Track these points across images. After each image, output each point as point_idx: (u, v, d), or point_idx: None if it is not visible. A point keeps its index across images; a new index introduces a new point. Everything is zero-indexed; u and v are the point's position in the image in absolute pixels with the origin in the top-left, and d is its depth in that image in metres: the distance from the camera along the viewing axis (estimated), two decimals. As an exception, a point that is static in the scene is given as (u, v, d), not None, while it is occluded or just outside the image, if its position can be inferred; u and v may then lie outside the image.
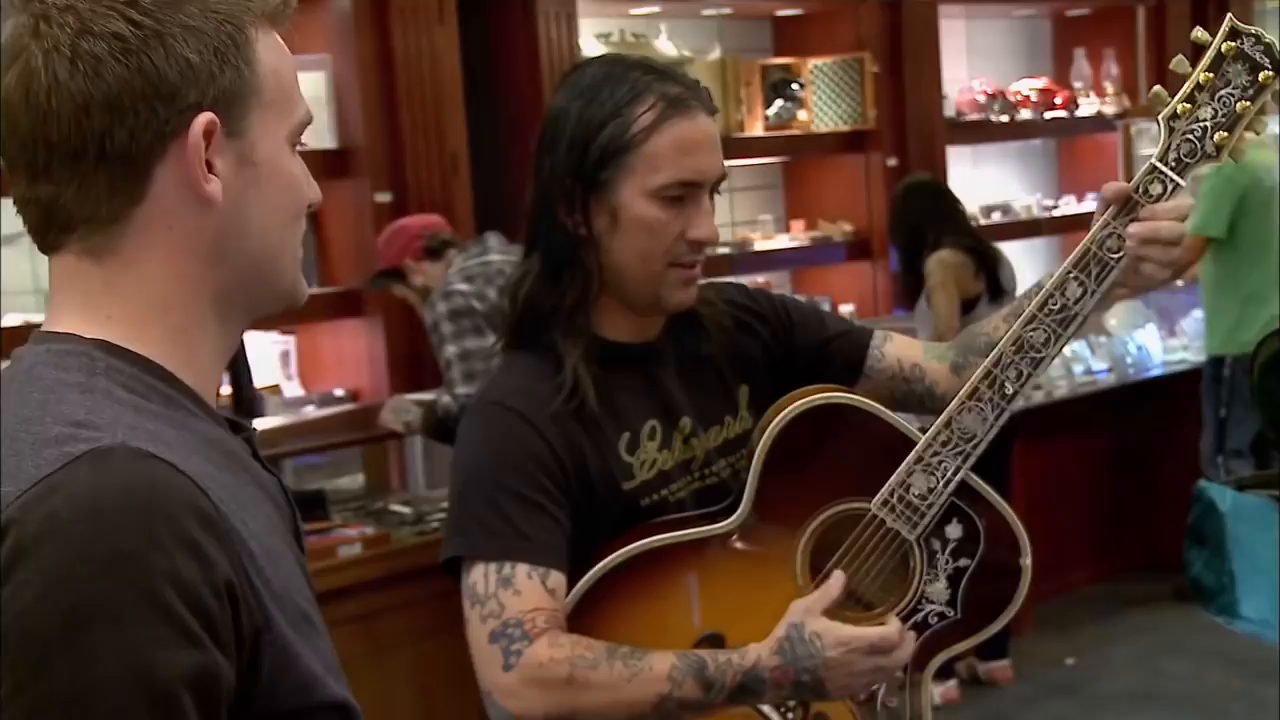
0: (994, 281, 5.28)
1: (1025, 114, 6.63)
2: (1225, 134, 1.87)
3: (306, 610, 1.17)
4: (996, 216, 6.52)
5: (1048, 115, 6.70)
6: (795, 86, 5.93)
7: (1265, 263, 5.63)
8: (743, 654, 1.80)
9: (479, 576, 1.84)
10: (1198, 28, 1.92)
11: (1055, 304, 1.88)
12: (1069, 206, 6.92)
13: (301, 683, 1.12)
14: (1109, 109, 6.86)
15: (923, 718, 1.93)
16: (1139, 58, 7.05)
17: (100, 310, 1.16)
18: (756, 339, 2.07)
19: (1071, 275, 1.88)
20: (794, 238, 6.05)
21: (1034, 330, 1.89)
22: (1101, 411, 6.24)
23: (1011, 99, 6.62)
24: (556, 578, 1.84)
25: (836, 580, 1.85)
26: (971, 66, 6.86)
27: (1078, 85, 6.91)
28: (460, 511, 1.90)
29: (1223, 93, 1.87)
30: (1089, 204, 6.90)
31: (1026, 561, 1.94)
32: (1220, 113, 1.87)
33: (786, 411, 1.91)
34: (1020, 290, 6.19)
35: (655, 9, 5.72)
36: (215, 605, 1.03)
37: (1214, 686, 5.28)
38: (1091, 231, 1.88)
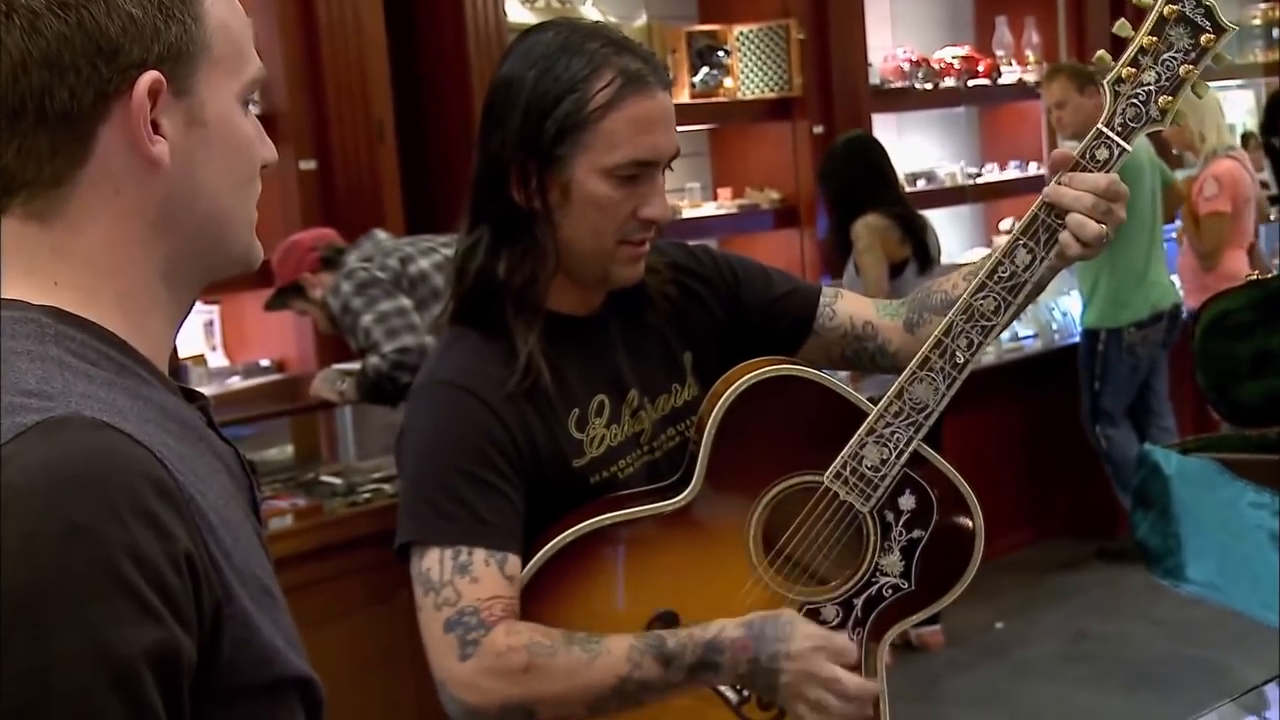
0: (921, 248, 5.32)
1: (949, 82, 6.63)
2: (1169, 98, 1.86)
3: (266, 582, 1.13)
4: (921, 184, 6.52)
5: (970, 83, 6.70)
6: (721, 54, 5.89)
7: (1138, 240, 5.74)
8: (705, 626, 1.76)
9: (433, 562, 1.78)
10: None
11: (1005, 271, 1.86)
12: (992, 174, 6.94)
13: (262, 657, 1.08)
14: (1030, 77, 6.86)
15: (879, 692, 1.90)
16: (1060, 26, 7.06)
17: (47, 276, 1.11)
18: (701, 303, 2.03)
19: (1020, 242, 1.86)
20: (721, 205, 6.01)
21: (984, 298, 1.86)
22: (1026, 377, 6.28)
23: (935, 67, 6.62)
24: (514, 563, 1.79)
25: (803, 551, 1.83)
26: (896, 34, 6.85)
27: (1000, 54, 6.92)
28: (413, 495, 1.84)
29: (1165, 56, 1.85)
30: (1011, 172, 6.95)
31: (979, 532, 1.92)
32: (1164, 76, 1.85)
33: (736, 385, 1.87)
34: (961, 259, 6.27)
35: (580, -26, 5.65)
36: (175, 579, 0.99)
37: (1141, 649, 5.34)
38: (1039, 198, 1.86)
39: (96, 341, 1.10)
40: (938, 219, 5.86)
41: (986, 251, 6.64)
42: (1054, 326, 6.34)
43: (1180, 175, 6.32)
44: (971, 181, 6.82)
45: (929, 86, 6.55)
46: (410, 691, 3.98)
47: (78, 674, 0.94)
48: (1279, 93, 6.40)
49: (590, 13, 5.58)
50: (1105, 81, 1.87)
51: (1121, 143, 1.85)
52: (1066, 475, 6.29)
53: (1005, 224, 7.09)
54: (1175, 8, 1.84)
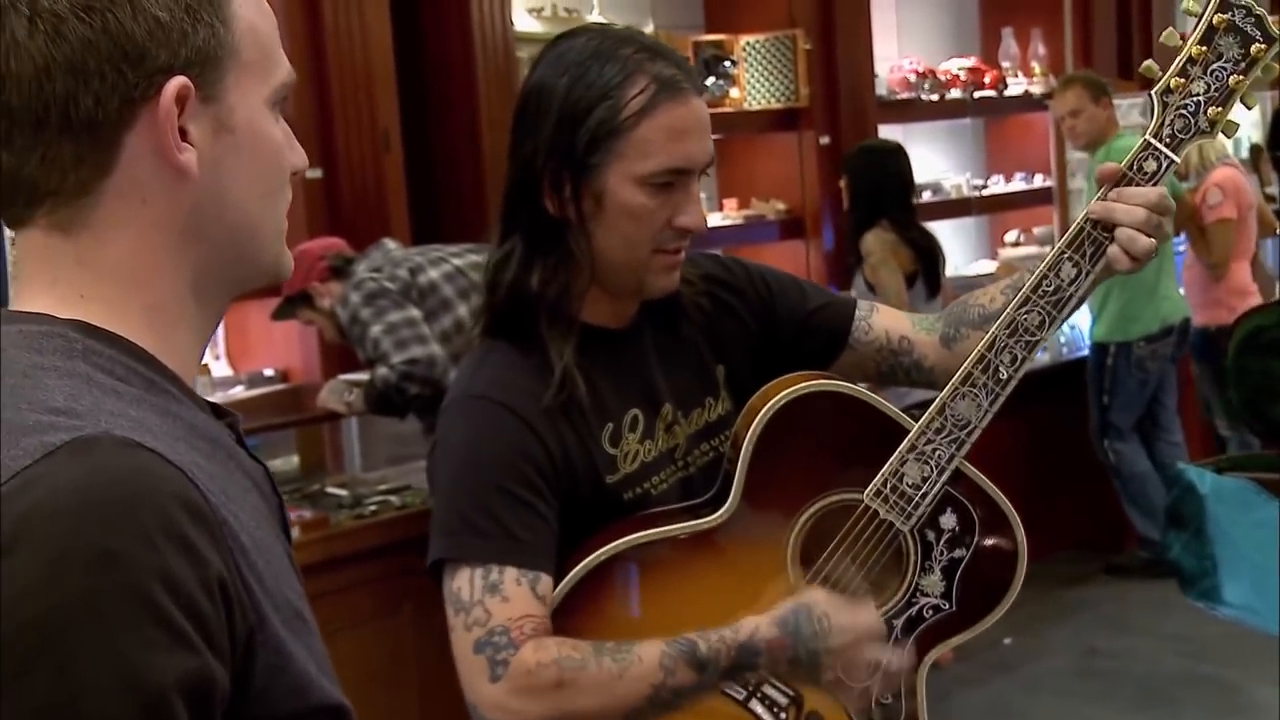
0: (931, 271, 5.28)
1: (955, 93, 6.59)
2: (1219, 109, 1.81)
3: (298, 606, 1.08)
4: (927, 196, 6.47)
5: (976, 95, 6.66)
6: (727, 64, 5.85)
7: None
8: (736, 628, 1.70)
9: (464, 582, 1.73)
10: (1189, 0, 1.86)
11: (1050, 285, 1.82)
12: (997, 186, 6.91)
13: (296, 685, 1.03)
14: (1036, 89, 6.83)
15: (919, 714, 1.85)
16: (1066, 38, 7.03)
17: (73, 289, 1.07)
18: (734, 315, 1.98)
19: (1066, 255, 1.82)
20: (726, 216, 5.96)
21: (1028, 312, 1.82)
22: (1034, 391, 6.21)
23: (941, 78, 6.58)
24: (546, 582, 1.74)
25: (844, 570, 1.79)
26: (902, 45, 6.82)
27: (1006, 65, 6.89)
28: (446, 512, 1.78)
29: (1215, 66, 1.81)
30: (1018, 184, 6.91)
31: (1022, 551, 1.87)
32: (1213, 87, 1.81)
33: (774, 401, 1.82)
34: (967, 270, 6.24)
35: (587, -17, 5.62)
36: (208, 605, 0.95)
37: (1150, 665, 5.29)
38: (1085, 212, 1.82)
39: (125, 357, 1.06)
40: (943, 230, 5.83)
41: (993, 264, 6.70)
42: (1062, 340, 6.30)
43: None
44: (977, 193, 6.79)
45: (935, 98, 6.51)
46: (415, 704, 3.94)
47: (107, 704, 0.90)
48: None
49: (596, 20, 5.54)
50: (1153, 92, 1.83)
51: (1170, 154, 1.81)
52: (1074, 489, 6.24)
53: (1010, 236, 7.07)
54: (1225, 17, 1.80)
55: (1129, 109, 6.67)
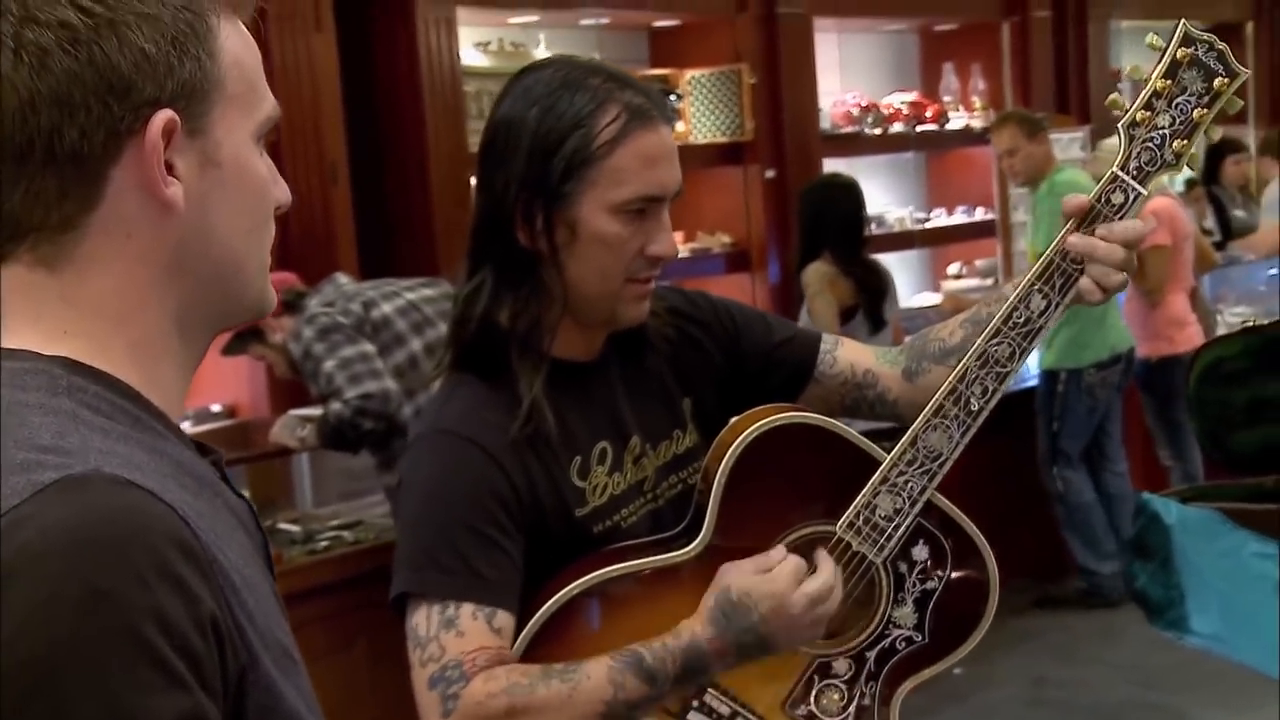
0: (875, 307, 5.31)
1: (897, 127, 6.64)
2: (1184, 141, 1.81)
3: (286, 645, 1.06)
4: (872, 228, 6.50)
5: (918, 129, 6.71)
6: (673, 97, 5.86)
7: None
8: (676, 634, 1.69)
9: (422, 618, 1.70)
10: (1151, 34, 1.87)
11: (1020, 316, 1.81)
12: (940, 219, 6.96)
13: None
14: (977, 123, 6.88)
15: (893, 749, 1.84)
16: (1005, 73, 7.09)
17: (56, 325, 1.04)
18: (699, 348, 1.96)
19: (1036, 287, 1.81)
20: (673, 249, 5.95)
21: (998, 344, 1.81)
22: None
23: (884, 112, 6.63)
24: (504, 617, 1.71)
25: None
26: (845, 80, 6.85)
27: (947, 99, 6.95)
28: (411, 546, 1.76)
29: (1179, 100, 1.81)
30: (959, 216, 6.95)
31: (994, 583, 1.86)
32: (1178, 120, 1.81)
33: (746, 434, 1.80)
34: (910, 303, 6.26)
35: (534, 18, 5.61)
36: (201, 644, 0.92)
37: (1100, 694, 5.31)
38: (1054, 243, 1.82)
39: (110, 393, 1.03)
40: (886, 263, 5.84)
41: (936, 296, 6.73)
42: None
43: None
44: (920, 226, 6.83)
45: (878, 132, 6.56)
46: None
47: None
48: (1218, 143, 6.44)
49: (543, 55, 5.54)
50: (1120, 125, 1.83)
51: (1138, 187, 1.81)
52: (1021, 519, 6.27)
53: (953, 269, 7.11)
54: (1189, 51, 1.81)
55: (1069, 143, 6.74)
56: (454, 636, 1.68)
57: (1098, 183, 1.83)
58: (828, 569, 1.74)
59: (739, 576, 1.70)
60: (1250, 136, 8.35)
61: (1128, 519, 6.08)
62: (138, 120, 1.02)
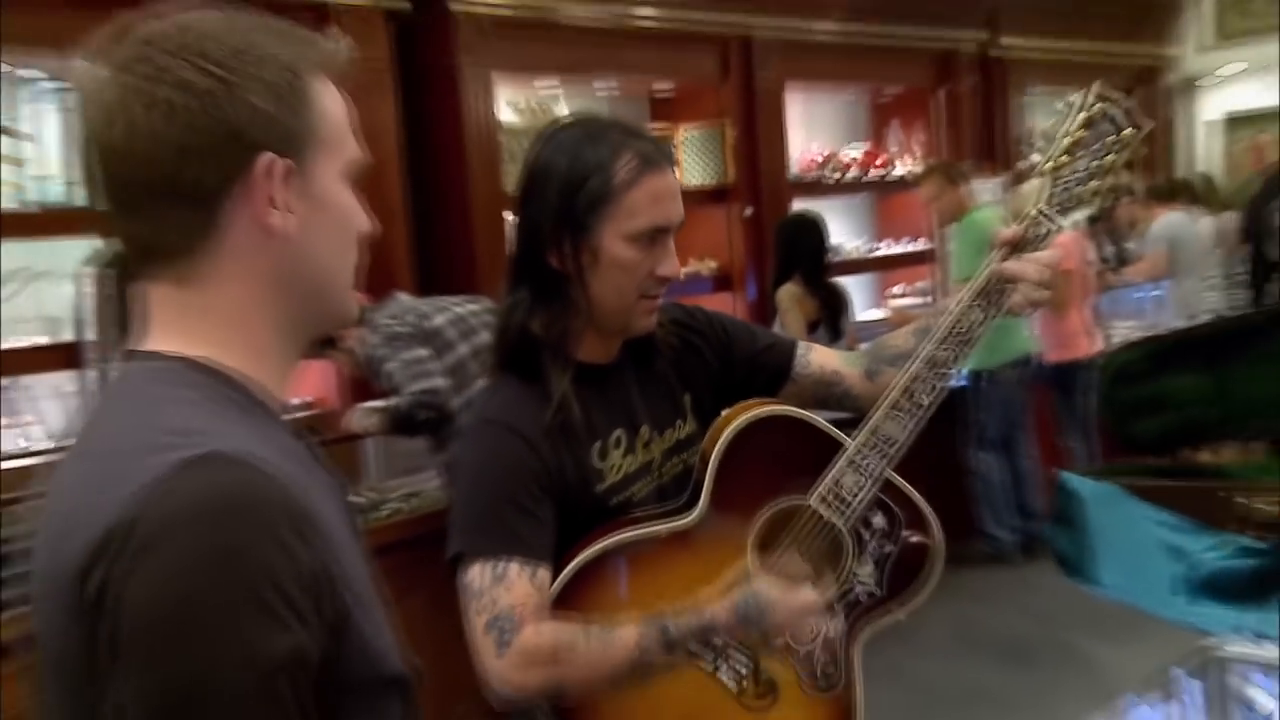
0: (834, 320, 5.33)
1: (852, 174, 6.59)
2: (1097, 183, 1.79)
3: (373, 593, 1.07)
4: (831, 256, 6.47)
5: (869, 175, 6.67)
6: (669, 149, 5.82)
7: None
8: (699, 614, 1.67)
9: (476, 574, 1.68)
10: (1069, 95, 1.84)
11: (961, 327, 1.79)
12: (886, 248, 6.91)
13: (373, 658, 1.03)
14: (917, 170, 6.84)
15: (854, 683, 1.81)
16: (939, 131, 7.05)
17: (185, 331, 1.05)
18: (697, 353, 1.94)
19: (974, 303, 1.79)
20: (670, 273, 5.92)
21: (943, 350, 1.79)
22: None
23: (841, 161, 6.58)
24: (543, 573, 1.69)
25: (791, 561, 1.73)
26: (809, 135, 6.81)
27: (892, 151, 6.91)
28: (464, 516, 1.73)
29: (1093, 148, 1.79)
30: (902, 246, 6.92)
31: (938, 546, 1.83)
32: (1092, 164, 1.79)
33: (736, 423, 1.78)
34: (861, 317, 6.22)
35: (555, 84, 5.58)
36: (305, 594, 0.94)
37: (1011, 631, 5.28)
38: (988, 266, 1.79)
39: (227, 388, 1.04)
40: (843, 284, 5.81)
41: (883, 312, 6.69)
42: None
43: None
44: (869, 254, 6.79)
45: (836, 177, 6.51)
46: (430, 669, 3.84)
47: (231, 675, 0.90)
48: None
49: (563, 114, 5.50)
50: (1043, 169, 1.80)
51: (1059, 220, 1.78)
52: (938, 491, 6.22)
53: (896, 289, 7.07)
54: (1101, 106, 1.79)
55: (991, 188, 6.71)
56: (504, 590, 1.66)
57: (1007, 219, 1.81)
58: (827, 593, 1.76)
59: (769, 588, 1.68)
60: (1138, 184, 8.32)
61: (1033, 495, 6.07)
62: (247, 162, 1.02)
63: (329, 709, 0.98)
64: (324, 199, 1.08)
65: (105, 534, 0.92)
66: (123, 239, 1.06)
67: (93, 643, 0.92)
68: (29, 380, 4.02)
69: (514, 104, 5.41)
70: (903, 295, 6.98)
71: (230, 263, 1.04)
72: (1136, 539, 2.11)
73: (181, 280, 1.05)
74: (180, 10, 1.04)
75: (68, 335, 3.87)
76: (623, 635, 1.66)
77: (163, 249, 1.04)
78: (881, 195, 7.07)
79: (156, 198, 1.01)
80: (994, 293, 1.77)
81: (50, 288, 4.08)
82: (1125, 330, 6.86)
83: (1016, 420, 6.06)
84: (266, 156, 1.02)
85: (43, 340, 3.92)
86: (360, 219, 1.13)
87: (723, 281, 6.00)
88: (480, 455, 1.74)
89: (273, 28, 1.06)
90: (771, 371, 1.97)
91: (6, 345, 3.86)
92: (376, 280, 4.38)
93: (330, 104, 1.09)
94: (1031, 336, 6.07)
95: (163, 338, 1.05)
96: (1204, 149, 8.94)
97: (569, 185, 1.72)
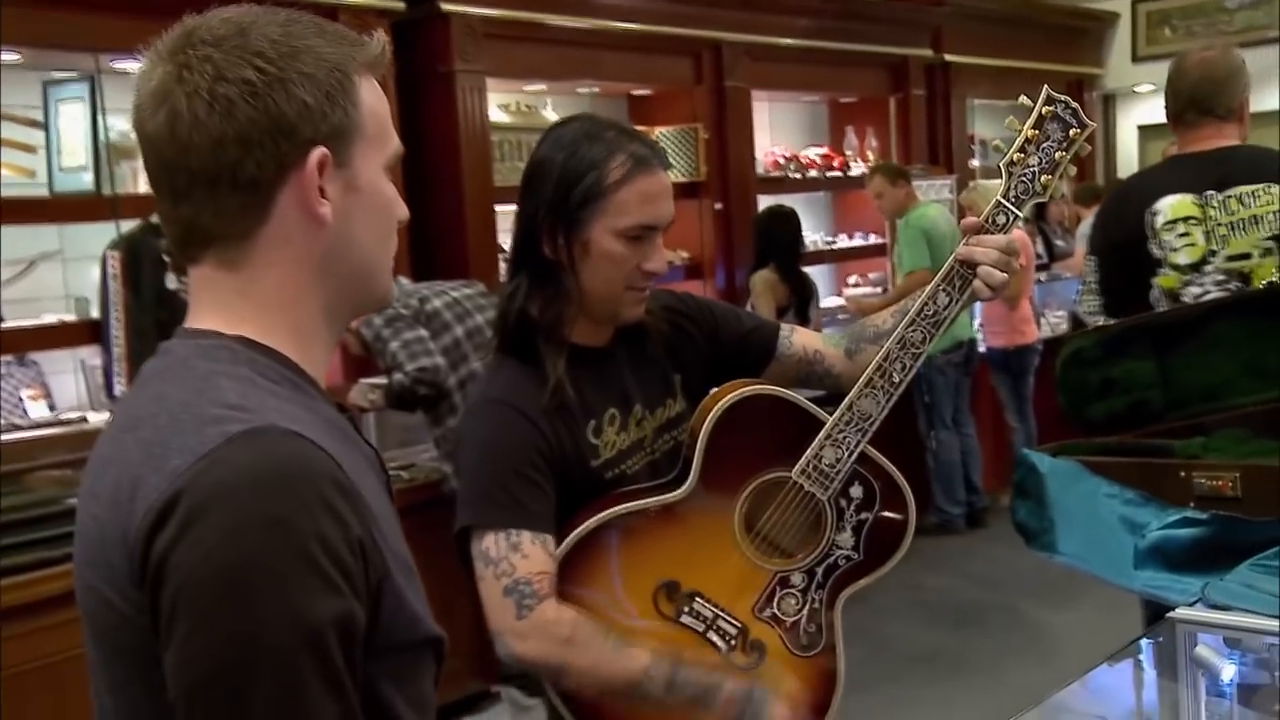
0: (803, 306, 5.33)
1: (812, 173, 6.56)
2: (1049, 176, 1.77)
3: (408, 560, 1.04)
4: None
5: (828, 174, 6.64)
6: (664, 152, 5.76)
7: None
8: (709, 676, 1.63)
9: (490, 543, 1.64)
10: (1022, 95, 1.82)
11: (929, 310, 1.75)
12: (843, 242, 6.89)
13: (409, 621, 1.00)
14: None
15: (836, 642, 1.78)
16: (891, 134, 7.03)
17: (235, 312, 1.03)
18: (687, 336, 1.90)
19: (941, 288, 1.76)
20: (645, 262, 5.87)
21: (913, 331, 1.75)
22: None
23: (803, 161, 6.55)
24: (551, 542, 1.66)
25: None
26: (774, 136, 6.78)
27: (849, 153, 6.87)
28: (471, 490, 1.69)
29: (1045, 145, 1.77)
30: (857, 240, 6.89)
31: (911, 513, 1.80)
32: (1044, 160, 1.77)
33: (723, 402, 1.74)
34: (822, 303, 6.20)
35: (542, 87, 5.52)
36: (351, 560, 0.92)
37: (961, 595, 5.28)
38: (954, 254, 1.76)
39: (276, 365, 1.02)
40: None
41: (840, 299, 6.66)
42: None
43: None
44: (828, 247, 6.76)
45: (798, 176, 6.48)
46: (458, 625, 3.81)
47: (280, 636, 0.88)
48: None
49: (549, 114, 5.46)
50: (1001, 164, 1.79)
51: (1015, 210, 1.76)
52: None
53: (852, 280, 7.05)
54: (1051, 108, 1.77)
55: (940, 187, 6.70)
56: (520, 557, 1.63)
57: (947, 215, 1.79)
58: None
59: (772, 704, 1.65)
60: (1066, 186, 8.33)
61: (977, 469, 6.08)
62: (300, 155, 1.01)
63: (372, 670, 0.96)
64: (368, 190, 1.06)
65: (161, 504, 0.90)
66: (170, 224, 1.04)
67: (152, 611, 0.90)
68: (59, 354, 3.96)
69: (504, 105, 5.34)
70: (858, 285, 6.96)
71: (279, 249, 1.02)
72: (1092, 512, 2.08)
73: (230, 264, 1.03)
74: (228, 12, 1.03)
75: (94, 313, 3.82)
76: (636, 654, 1.61)
77: (214, 234, 1.02)
78: (839, 193, 7.05)
79: (212, 186, 0.99)
80: (959, 277, 1.74)
81: (77, 268, 4.03)
82: (1056, 320, 6.87)
83: (960, 403, 6.06)
84: (319, 150, 1.01)
85: (70, 318, 3.87)
86: (400, 208, 1.11)
87: (694, 270, 5.96)
88: (487, 432, 1.70)
89: (322, 29, 1.04)
90: (757, 352, 1.93)
91: (36, 322, 3.83)
92: (376, 267, 4.33)
93: (375, 100, 1.07)
94: (969, 324, 6.07)
95: (210, 317, 1.04)
96: (1126, 156, 8.99)
97: (564, 180, 1.69)
